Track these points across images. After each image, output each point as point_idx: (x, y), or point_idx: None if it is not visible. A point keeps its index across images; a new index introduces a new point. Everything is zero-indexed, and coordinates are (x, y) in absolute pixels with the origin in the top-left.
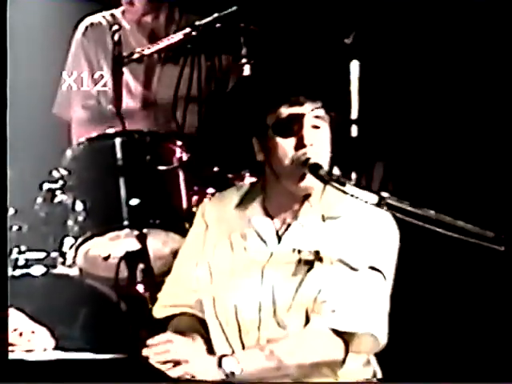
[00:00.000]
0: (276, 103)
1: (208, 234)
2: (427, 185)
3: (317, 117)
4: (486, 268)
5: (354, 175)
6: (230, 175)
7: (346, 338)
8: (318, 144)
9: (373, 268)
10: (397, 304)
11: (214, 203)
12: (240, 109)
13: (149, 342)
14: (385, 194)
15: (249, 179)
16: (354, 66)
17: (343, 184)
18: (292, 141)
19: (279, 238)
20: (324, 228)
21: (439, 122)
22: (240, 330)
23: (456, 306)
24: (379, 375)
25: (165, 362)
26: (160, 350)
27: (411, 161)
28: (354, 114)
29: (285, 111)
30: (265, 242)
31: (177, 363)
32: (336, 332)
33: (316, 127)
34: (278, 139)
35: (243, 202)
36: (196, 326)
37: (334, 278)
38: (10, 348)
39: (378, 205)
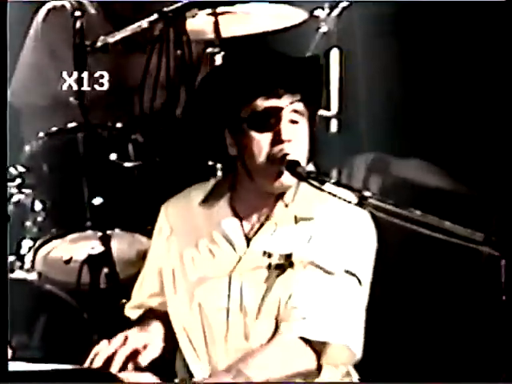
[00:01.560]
0: (252, 95)
1: (172, 236)
2: (412, 181)
3: (295, 111)
4: (473, 269)
5: (334, 172)
6: (201, 172)
7: (316, 347)
8: (296, 140)
9: (347, 272)
10: (383, 307)
11: (178, 201)
12: (212, 100)
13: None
14: (367, 193)
15: (218, 175)
16: (334, 55)
17: (322, 182)
18: (268, 136)
19: (248, 241)
20: (296, 230)
21: (425, 113)
22: (206, 341)
23: (444, 308)
24: None
25: (125, 362)
26: (117, 343)
27: (395, 155)
28: (334, 108)
29: (261, 104)
30: (233, 245)
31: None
32: (306, 341)
33: (294, 122)
34: (253, 133)
35: (209, 199)
36: (161, 318)
37: (306, 283)
38: None
39: (360, 204)
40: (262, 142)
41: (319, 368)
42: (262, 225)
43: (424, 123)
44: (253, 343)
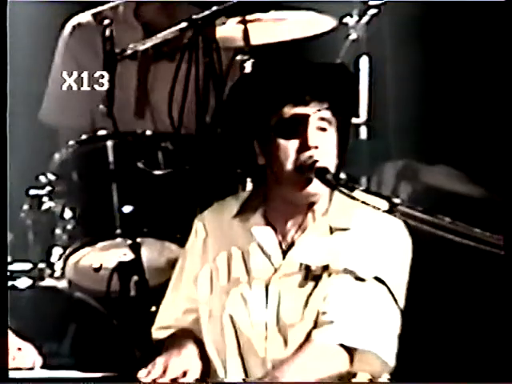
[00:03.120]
0: (280, 103)
1: (208, 246)
2: (441, 188)
3: (322, 119)
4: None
5: (363, 180)
6: (230, 180)
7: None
8: (324, 147)
9: (377, 279)
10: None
11: (213, 213)
12: (242, 108)
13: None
14: (396, 200)
15: (250, 185)
16: (363, 62)
17: (352, 189)
18: (295, 143)
19: (284, 253)
20: (332, 241)
21: (454, 120)
22: (241, 354)
23: (471, 314)
24: None
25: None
26: (157, 373)
27: (424, 162)
28: (363, 115)
29: (288, 111)
30: (268, 257)
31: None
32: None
33: (322, 129)
34: (280, 141)
35: (243, 212)
36: (191, 337)
37: (337, 289)
38: None
39: (390, 211)
40: (289, 149)
41: (351, 373)
42: (296, 236)
43: (453, 130)
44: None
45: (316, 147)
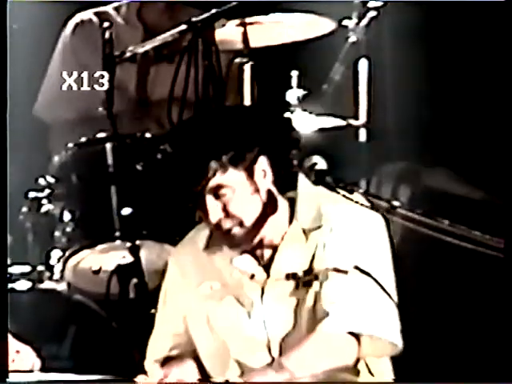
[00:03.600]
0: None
1: (188, 282)
2: (441, 191)
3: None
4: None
5: (363, 182)
6: None
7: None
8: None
9: (357, 268)
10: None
11: (186, 247)
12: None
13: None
14: (396, 203)
15: None
16: (363, 64)
17: (351, 192)
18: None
19: (266, 270)
20: (309, 243)
21: (454, 123)
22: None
23: (469, 316)
24: None
25: None
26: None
27: (424, 165)
28: (363, 117)
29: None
30: (252, 278)
31: None
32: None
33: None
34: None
35: (210, 244)
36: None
37: (330, 286)
38: None
39: (388, 213)
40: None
41: (357, 362)
42: (274, 251)
43: (453, 132)
44: None
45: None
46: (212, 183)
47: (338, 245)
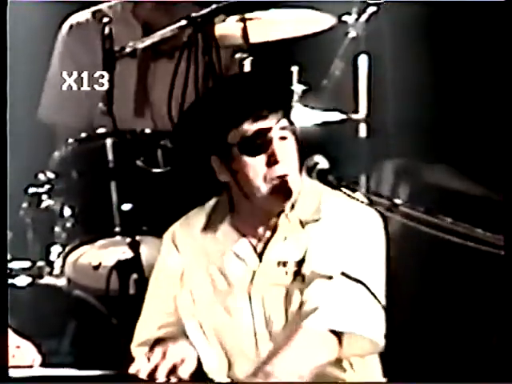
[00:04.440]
0: (237, 119)
1: (182, 262)
2: (441, 187)
3: (283, 128)
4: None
5: (362, 178)
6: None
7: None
8: (288, 156)
9: (347, 275)
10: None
11: (183, 227)
12: (198, 127)
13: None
14: (397, 201)
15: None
16: (363, 60)
17: (354, 190)
18: (262, 158)
19: (260, 256)
20: (305, 234)
21: (454, 118)
22: (229, 360)
23: (467, 313)
24: None
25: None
26: (157, 358)
27: (424, 161)
28: (363, 113)
29: (249, 128)
30: (245, 263)
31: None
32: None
33: (283, 138)
34: (246, 158)
35: (209, 225)
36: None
37: (317, 284)
38: None
39: (389, 211)
40: (256, 165)
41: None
42: (270, 238)
43: (453, 128)
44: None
45: (283, 160)
46: (280, 124)
47: (331, 243)
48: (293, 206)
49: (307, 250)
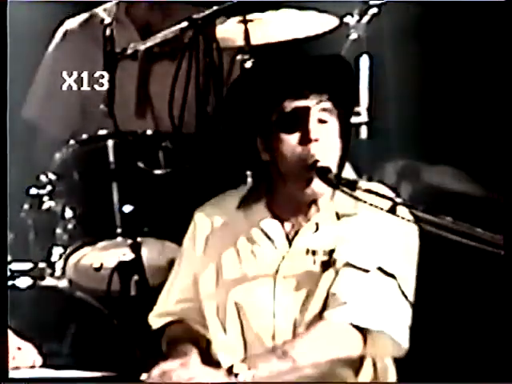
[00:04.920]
0: (279, 97)
1: (211, 241)
2: (442, 188)
3: (324, 109)
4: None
5: (364, 179)
6: (231, 179)
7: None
8: (326, 139)
9: (384, 270)
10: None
11: (214, 207)
12: (242, 106)
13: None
14: (398, 200)
15: (250, 181)
16: (364, 61)
17: (354, 189)
18: (297, 136)
19: (290, 241)
20: (339, 227)
21: (456, 119)
22: (245, 341)
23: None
24: None
25: None
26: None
27: (426, 162)
28: (364, 114)
29: (289, 105)
30: (275, 246)
31: None
32: (352, 326)
33: (323, 121)
34: (282, 135)
35: (245, 203)
36: (191, 333)
37: (350, 274)
38: None
39: (392, 211)
40: (291, 142)
41: (362, 358)
42: (302, 225)
43: (454, 129)
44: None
45: (317, 140)
46: (321, 105)
47: (368, 237)
48: (332, 198)
49: (341, 241)
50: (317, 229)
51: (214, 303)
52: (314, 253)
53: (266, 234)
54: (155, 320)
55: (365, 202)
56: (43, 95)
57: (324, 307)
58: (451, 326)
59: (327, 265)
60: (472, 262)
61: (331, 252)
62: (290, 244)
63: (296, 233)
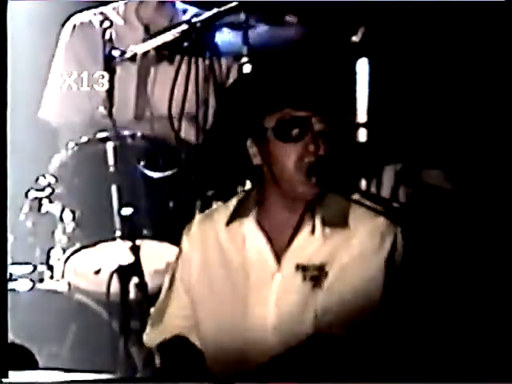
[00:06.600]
0: (278, 104)
1: (199, 258)
2: (440, 191)
3: (322, 121)
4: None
5: (362, 182)
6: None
7: None
8: (324, 150)
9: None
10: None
11: (202, 223)
12: (236, 108)
13: None
14: (395, 205)
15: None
16: (362, 65)
17: (351, 193)
18: (297, 146)
19: (279, 257)
20: (328, 240)
21: (454, 123)
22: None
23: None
24: None
25: None
26: None
27: (424, 165)
28: (362, 117)
29: (288, 113)
30: (265, 262)
31: None
32: None
33: (322, 131)
34: (281, 143)
35: (234, 220)
36: (187, 347)
37: (339, 289)
38: None
39: (387, 215)
40: (290, 152)
41: None
42: (291, 239)
43: (453, 132)
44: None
45: (318, 151)
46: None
47: (355, 250)
48: (320, 211)
49: (331, 257)
50: (307, 244)
51: (210, 321)
52: (303, 268)
53: (255, 252)
54: (151, 338)
55: (364, 204)
56: (60, 97)
57: (316, 323)
58: (451, 326)
59: (317, 280)
60: (472, 262)
61: (321, 267)
62: (279, 260)
63: (286, 248)
